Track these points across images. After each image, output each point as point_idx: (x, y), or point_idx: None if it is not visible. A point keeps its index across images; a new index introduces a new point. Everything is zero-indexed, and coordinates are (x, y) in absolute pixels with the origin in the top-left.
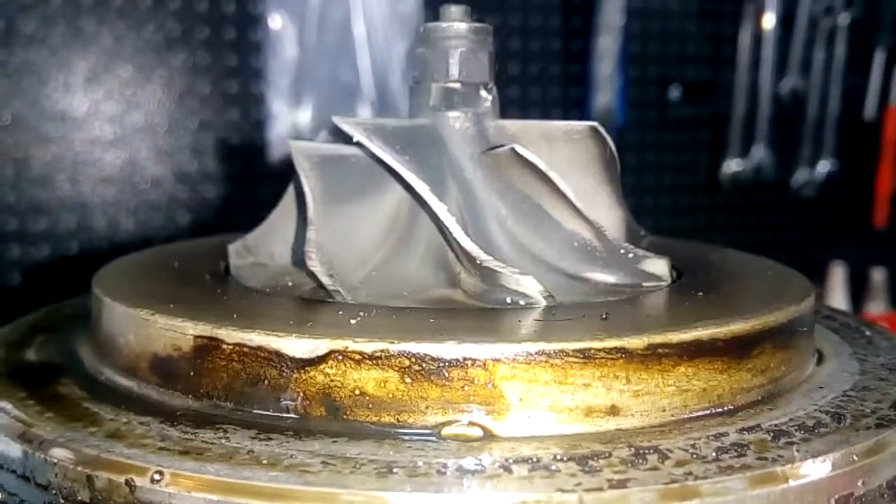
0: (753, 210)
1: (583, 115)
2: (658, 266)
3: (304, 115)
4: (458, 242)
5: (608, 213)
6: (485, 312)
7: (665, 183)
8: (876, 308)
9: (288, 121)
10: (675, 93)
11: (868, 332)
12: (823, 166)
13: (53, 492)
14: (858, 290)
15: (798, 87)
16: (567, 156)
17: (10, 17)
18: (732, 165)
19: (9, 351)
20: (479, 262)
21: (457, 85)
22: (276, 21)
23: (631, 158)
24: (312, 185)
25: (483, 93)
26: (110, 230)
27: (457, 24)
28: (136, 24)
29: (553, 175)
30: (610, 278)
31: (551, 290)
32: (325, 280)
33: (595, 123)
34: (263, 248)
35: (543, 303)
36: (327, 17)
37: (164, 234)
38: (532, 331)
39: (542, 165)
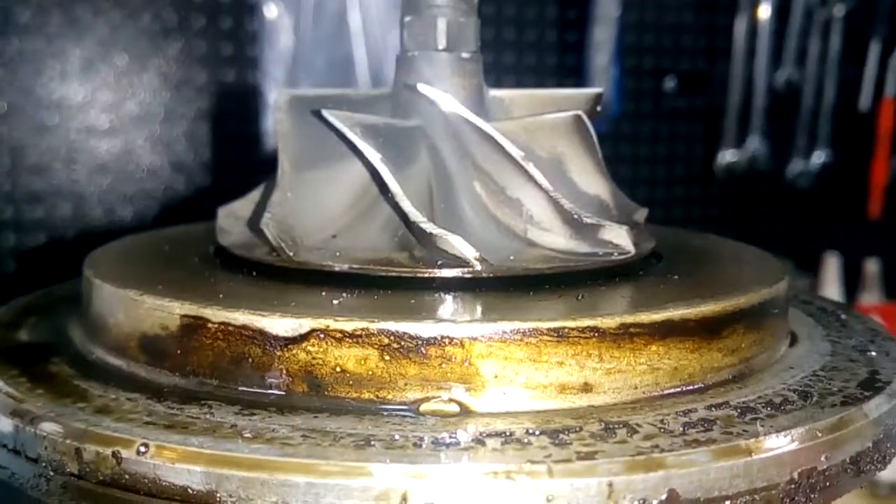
0: (748, 200)
1: None
2: (618, 235)
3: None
4: (399, 206)
5: (594, 181)
6: (465, 294)
7: (660, 173)
8: (870, 298)
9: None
10: (670, 84)
11: (843, 316)
12: (818, 157)
13: (43, 464)
14: (853, 281)
15: (793, 78)
16: (551, 122)
17: (5, 6)
18: (727, 156)
19: (1, 331)
20: (415, 224)
21: (442, 53)
22: (271, 10)
23: (626, 149)
24: (286, 149)
25: (469, 61)
26: (106, 218)
27: None
28: (131, 13)
29: (502, 141)
30: (569, 246)
31: (512, 258)
32: (271, 235)
33: (586, 91)
34: (245, 211)
35: (477, 266)
36: (323, 7)
37: (159, 223)
38: (508, 310)
39: (491, 132)
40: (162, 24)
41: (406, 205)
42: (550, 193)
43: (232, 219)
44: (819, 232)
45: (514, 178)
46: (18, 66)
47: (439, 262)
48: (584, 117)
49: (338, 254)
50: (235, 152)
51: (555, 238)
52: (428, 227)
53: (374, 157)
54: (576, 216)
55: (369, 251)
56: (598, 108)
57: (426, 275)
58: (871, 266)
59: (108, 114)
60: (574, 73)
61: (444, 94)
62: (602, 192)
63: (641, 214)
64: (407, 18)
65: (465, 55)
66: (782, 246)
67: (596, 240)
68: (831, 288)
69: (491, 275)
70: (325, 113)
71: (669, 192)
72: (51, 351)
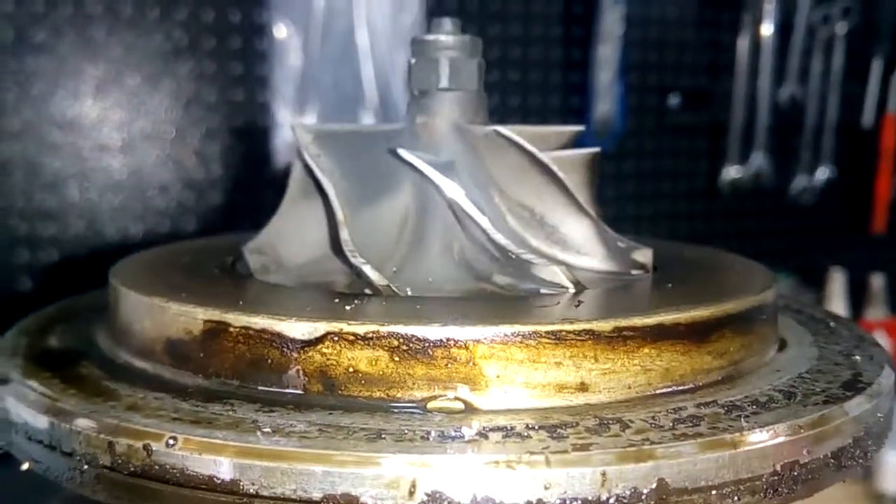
0: (752, 216)
1: (583, 122)
2: (645, 255)
3: (309, 123)
4: (489, 237)
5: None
6: (468, 300)
7: (664, 189)
8: (875, 314)
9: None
10: (674, 100)
11: (832, 324)
12: (822, 173)
13: (77, 458)
14: (858, 296)
15: (796, 94)
16: (566, 157)
17: (20, 26)
18: (731, 172)
19: (31, 338)
20: (512, 254)
21: (451, 92)
22: (281, 30)
23: (630, 165)
24: (336, 188)
25: (476, 99)
26: (118, 235)
27: (446, 36)
28: (144, 33)
29: (560, 174)
30: (604, 266)
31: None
32: (374, 276)
33: (570, 128)
34: (274, 247)
35: (573, 290)
36: (331, 27)
37: (170, 239)
38: (510, 314)
39: (552, 166)
40: (173, 44)
41: (499, 237)
42: (595, 220)
43: (261, 256)
44: (824, 248)
45: (556, 207)
46: (33, 85)
47: (539, 290)
48: (599, 154)
49: (426, 287)
50: (245, 170)
51: (589, 260)
52: (529, 257)
53: (457, 193)
54: (617, 241)
55: (451, 283)
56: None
57: None
58: (877, 281)
59: (120, 132)
60: (578, 91)
61: (514, 134)
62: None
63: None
64: (412, 60)
65: (468, 93)
66: (787, 262)
67: (627, 261)
68: (837, 303)
69: None
70: (404, 152)
71: (674, 208)
72: (80, 355)
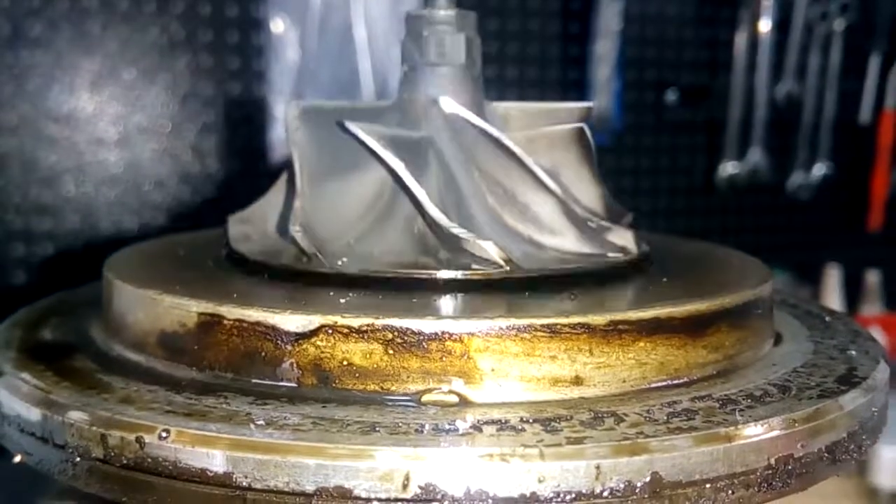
0: (749, 212)
1: None
2: (624, 237)
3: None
4: (427, 212)
5: (587, 189)
6: (465, 293)
7: (662, 185)
8: (870, 310)
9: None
10: (671, 97)
11: (828, 319)
12: (819, 169)
13: (70, 450)
14: (853, 292)
15: (794, 91)
16: (551, 134)
17: (16, 20)
18: (729, 168)
19: (26, 330)
20: (444, 229)
21: (438, 67)
22: (278, 25)
23: (628, 161)
24: (302, 160)
25: (465, 74)
26: (114, 229)
27: (438, 11)
28: (140, 27)
29: (516, 149)
30: (577, 248)
31: (522, 259)
32: (304, 244)
33: (579, 104)
34: (259, 218)
35: (505, 267)
36: (329, 21)
37: (166, 233)
38: (504, 307)
39: (505, 140)
40: (170, 38)
41: (434, 211)
42: (562, 198)
43: (242, 226)
44: (820, 244)
45: (523, 185)
46: (29, 79)
47: (471, 265)
48: (586, 129)
49: (367, 259)
50: (241, 164)
51: (562, 241)
52: (458, 231)
53: (398, 166)
54: (587, 221)
55: (394, 255)
56: (591, 119)
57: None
58: (872, 277)
59: (116, 126)
60: (576, 87)
61: (462, 107)
62: (593, 200)
63: (627, 219)
64: (405, 37)
65: (456, 68)
66: (783, 257)
67: (603, 242)
68: (832, 299)
69: (504, 276)
70: (349, 124)
71: (671, 204)
72: (74, 348)
